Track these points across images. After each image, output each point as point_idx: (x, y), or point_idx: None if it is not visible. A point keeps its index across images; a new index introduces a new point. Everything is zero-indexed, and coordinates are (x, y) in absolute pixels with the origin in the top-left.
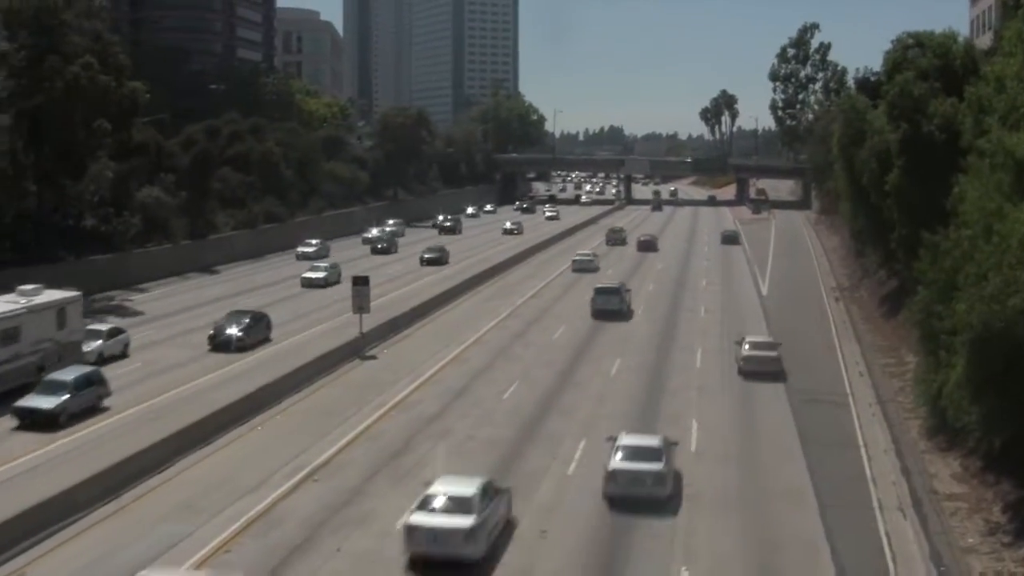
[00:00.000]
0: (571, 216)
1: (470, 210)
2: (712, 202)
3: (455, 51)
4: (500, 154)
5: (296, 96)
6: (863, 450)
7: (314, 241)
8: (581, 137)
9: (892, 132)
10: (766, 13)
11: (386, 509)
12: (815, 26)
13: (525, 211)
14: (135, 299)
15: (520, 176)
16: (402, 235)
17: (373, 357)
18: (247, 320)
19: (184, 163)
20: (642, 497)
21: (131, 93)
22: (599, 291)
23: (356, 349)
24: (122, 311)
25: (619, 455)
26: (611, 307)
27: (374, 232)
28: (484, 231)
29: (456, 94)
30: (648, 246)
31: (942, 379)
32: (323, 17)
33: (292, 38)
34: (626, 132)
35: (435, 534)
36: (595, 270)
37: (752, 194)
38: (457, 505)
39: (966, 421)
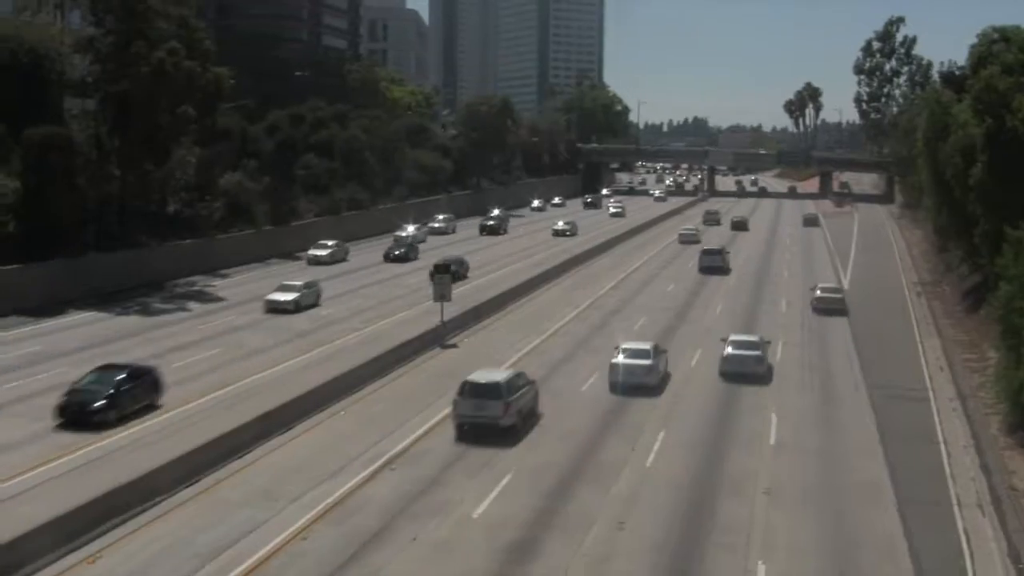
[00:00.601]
0: (641, 212)
1: (535, 203)
2: (793, 194)
3: (540, 40)
4: (584, 144)
5: (381, 84)
6: (942, 446)
7: (330, 242)
8: (665, 128)
9: (976, 127)
10: (852, 5)
11: (462, 498)
12: (901, 19)
13: (589, 206)
14: (217, 284)
15: (604, 166)
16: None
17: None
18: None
19: (268, 149)
20: (636, 384)
21: (216, 79)
22: (705, 252)
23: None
24: (203, 296)
25: (621, 356)
26: (715, 264)
27: (405, 231)
28: (536, 231)
29: (541, 84)
30: (740, 226)
31: (1023, 375)
32: (409, 5)
33: (378, 26)
34: (710, 124)
35: (630, 368)
36: (697, 242)
37: (836, 187)
38: (640, 354)
39: None
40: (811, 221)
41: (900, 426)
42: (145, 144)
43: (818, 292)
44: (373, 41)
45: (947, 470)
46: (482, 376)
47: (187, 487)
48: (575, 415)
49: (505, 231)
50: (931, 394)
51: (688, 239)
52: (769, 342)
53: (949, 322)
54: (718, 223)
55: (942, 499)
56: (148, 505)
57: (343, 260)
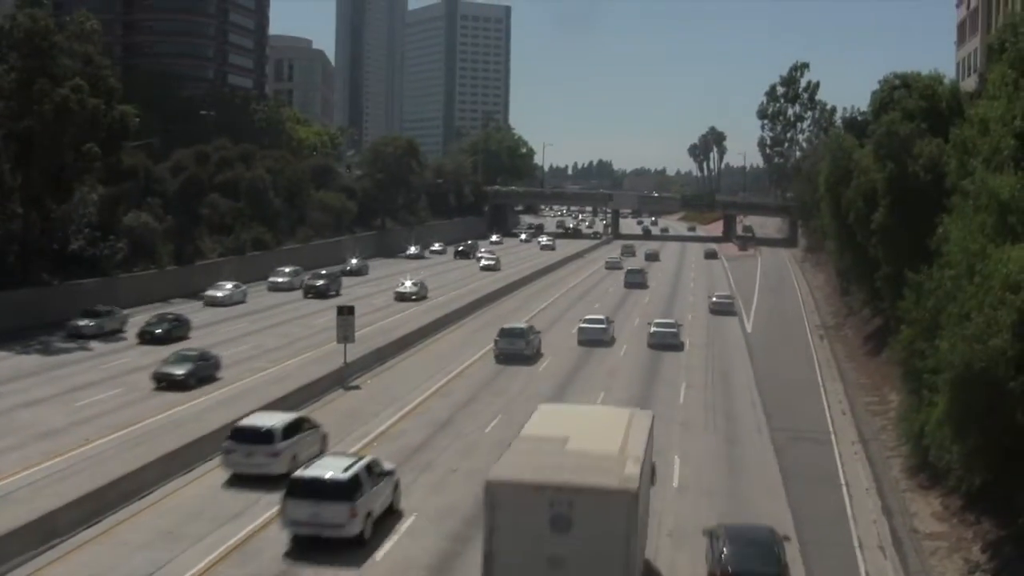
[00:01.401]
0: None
1: (412, 249)
2: (697, 237)
3: (447, 82)
4: (489, 186)
5: (286, 124)
6: (845, 488)
7: (229, 284)
8: (570, 171)
9: (878, 172)
10: (756, 51)
11: (367, 540)
12: (805, 65)
13: (460, 255)
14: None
15: (509, 208)
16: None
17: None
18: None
19: (173, 188)
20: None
21: (121, 117)
22: (629, 271)
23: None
24: (106, 336)
25: (583, 323)
26: (638, 280)
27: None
28: (384, 289)
29: (447, 125)
30: (653, 257)
31: (924, 418)
32: (315, 46)
33: (284, 66)
34: (615, 167)
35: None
36: (620, 268)
37: (739, 231)
38: (601, 322)
39: (947, 460)
40: (711, 255)
41: (803, 468)
42: (48, 182)
43: (714, 298)
44: (279, 81)
45: (849, 512)
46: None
47: (87, 528)
48: (481, 457)
49: (336, 293)
50: (833, 436)
51: (613, 266)
52: (682, 324)
53: (851, 365)
54: (633, 255)
55: (844, 541)
56: (46, 547)
57: (241, 302)
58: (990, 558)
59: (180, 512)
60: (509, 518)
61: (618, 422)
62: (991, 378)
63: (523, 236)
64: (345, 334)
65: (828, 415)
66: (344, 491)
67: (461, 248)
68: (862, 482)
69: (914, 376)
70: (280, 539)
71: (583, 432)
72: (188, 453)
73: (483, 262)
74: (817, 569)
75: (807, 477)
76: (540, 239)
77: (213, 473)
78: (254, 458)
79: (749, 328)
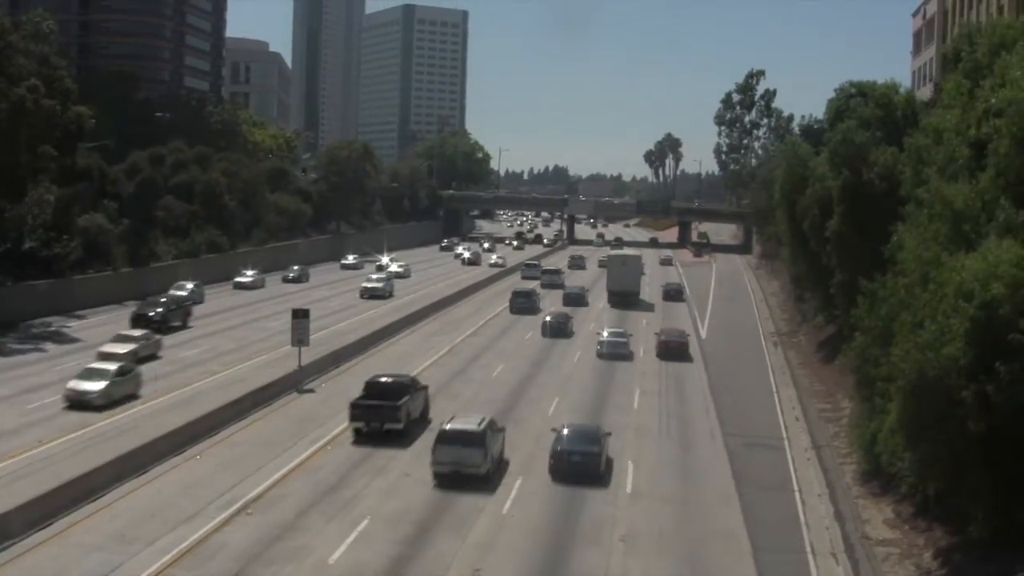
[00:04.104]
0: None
1: (350, 258)
2: (654, 243)
3: (402, 87)
4: (445, 191)
5: (242, 126)
6: (797, 494)
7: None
8: (526, 176)
9: (833, 179)
10: (713, 58)
11: (320, 544)
12: (761, 73)
13: (346, 267)
14: (73, 325)
15: (464, 213)
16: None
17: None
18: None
19: (128, 190)
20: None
21: (76, 118)
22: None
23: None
24: (59, 337)
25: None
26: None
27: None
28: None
29: (402, 130)
30: (604, 264)
31: (876, 425)
32: (272, 48)
33: (240, 68)
34: (571, 172)
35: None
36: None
37: (695, 237)
38: (622, 335)
39: (900, 467)
40: (667, 261)
41: (756, 474)
42: (2, 181)
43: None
44: (235, 83)
45: (802, 518)
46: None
47: (40, 530)
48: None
49: (182, 325)
50: (787, 443)
51: (577, 265)
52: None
53: (805, 372)
54: (583, 268)
55: (797, 547)
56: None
57: (200, 302)
58: (941, 564)
59: (133, 514)
60: None
61: None
62: (944, 386)
63: (465, 254)
64: (300, 337)
65: (781, 421)
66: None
67: (349, 260)
68: (815, 488)
69: (867, 383)
70: (234, 542)
71: None
72: (142, 455)
73: (366, 284)
74: (769, 575)
75: (760, 483)
76: (492, 257)
77: (167, 475)
78: (384, 418)
79: (703, 334)
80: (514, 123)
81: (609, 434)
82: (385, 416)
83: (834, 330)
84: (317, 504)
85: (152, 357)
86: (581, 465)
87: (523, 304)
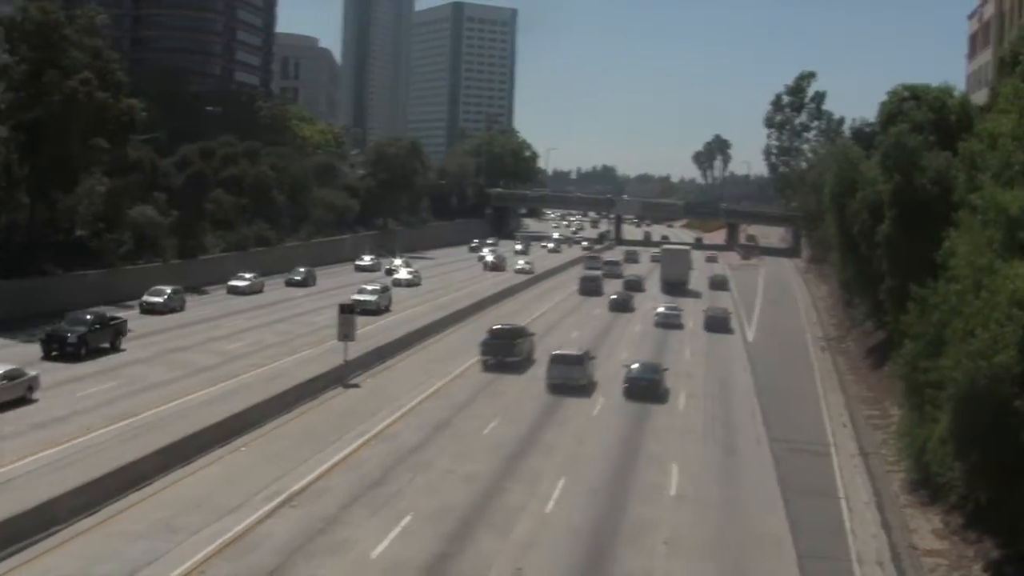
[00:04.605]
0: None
1: (367, 259)
2: (700, 245)
3: (451, 84)
4: (492, 189)
5: (291, 121)
6: (844, 501)
7: (249, 275)
8: (574, 175)
9: (884, 183)
10: (764, 59)
11: (362, 538)
12: (812, 74)
13: (361, 269)
14: (121, 316)
15: (511, 211)
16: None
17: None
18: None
19: (178, 183)
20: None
21: (128, 110)
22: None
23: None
24: None
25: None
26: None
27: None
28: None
29: (451, 127)
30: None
31: (926, 433)
32: (322, 44)
33: (290, 64)
34: (619, 172)
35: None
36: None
37: (742, 240)
38: (675, 309)
39: (949, 477)
40: (712, 259)
41: (802, 480)
42: (55, 172)
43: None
44: (285, 79)
45: (848, 526)
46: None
47: (85, 517)
48: (476, 459)
49: (101, 348)
50: (833, 449)
51: (631, 259)
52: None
53: (853, 378)
54: (637, 262)
55: (842, 555)
56: (44, 535)
57: (260, 291)
58: None
59: (178, 504)
60: None
61: None
62: (995, 395)
63: (488, 258)
64: (346, 332)
65: (828, 427)
66: (580, 361)
67: (370, 258)
68: (861, 496)
69: (916, 391)
70: (277, 534)
71: None
72: (188, 445)
73: (358, 297)
74: None
75: (806, 489)
76: (519, 262)
77: (213, 466)
78: (505, 352)
79: (750, 338)
80: (562, 122)
81: (666, 369)
82: (506, 351)
83: (883, 336)
84: (360, 498)
85: (21, 402)
86: (646, 387)
87: (590, 287)
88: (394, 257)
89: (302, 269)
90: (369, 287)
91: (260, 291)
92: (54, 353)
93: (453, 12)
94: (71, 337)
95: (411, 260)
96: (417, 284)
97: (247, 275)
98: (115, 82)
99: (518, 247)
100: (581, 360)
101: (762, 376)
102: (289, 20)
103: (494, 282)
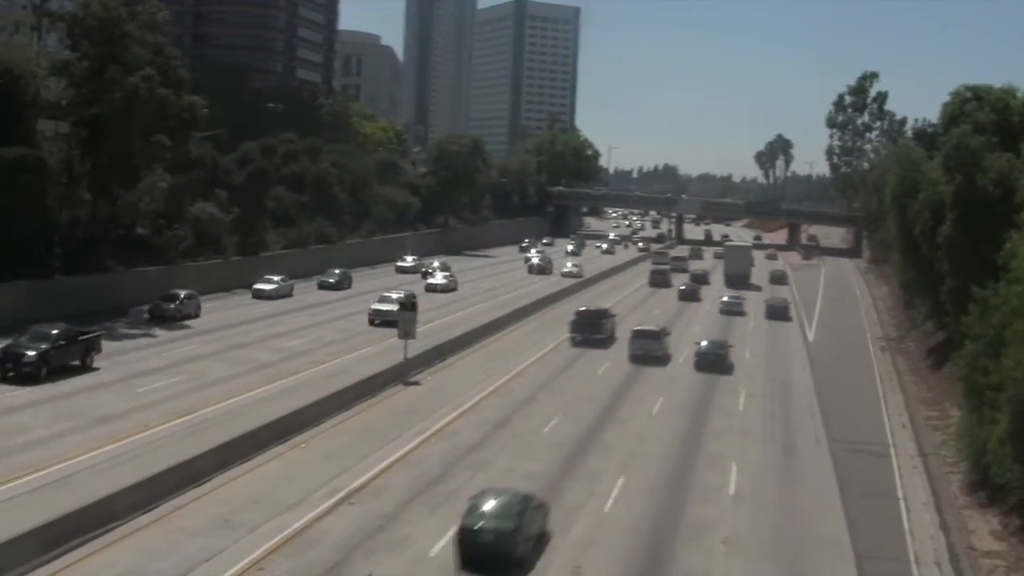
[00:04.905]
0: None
1: (409, 259)
2: (759, 244)
3: (513, 82)
4: (553, 187)
5: (353, 119)
6: (902, 502)
7: (276, 278)
8: (635, 174)
9: (946, 184)
10: (827, 58)
11: (420, 536)
12: (874, 75)
13: (403, 271)
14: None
15: (573, 210)
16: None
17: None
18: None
19: (239, 180)
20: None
21: (190, 107)
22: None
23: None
24: (168, 323)
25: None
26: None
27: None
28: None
29: (512, 125)
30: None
31: (985, 435)
32: (384, 42)
33: (352, 61)
34: (680, 172)
35: (731, 303)
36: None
37: (803, 240)
38: (738, 298)
39: (1008, 478)
40: (772, 256)
41: (860, 481)
42: (116, 168)
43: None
44: (347, 76)
45: (906, 526)
46: None
47: (144, 513)
48: (536, 457)
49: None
50: (892, 450)
51: (696, 255)
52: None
53: (912, 378)
54: (701, 258)
55: (900, 555)
56: (103, 530)
57: (288, 295)
58: None
59: (236, 500)
60: None
61: None
62: None
63: (534, 259)
64: (406, 330)
65: (888, 427)
66: (658, 336)
67: (408, 260)
68: (920, 496)
69: (976, 392)
70: (335, 530)
71: None
72: (245, 442)
73: (379, 307)
74: None
75: (864, 489)
76: (566, 265)
77: (271, 463)
78: (591, 331)
79: (811, 337)
80: (624, 120)
81: (732, 346)
82: (592, 329)
83: (944, 337)
84: (419, 496)
85: None
86: (714, 360)
87: (659, 279)
88: (432, 259)
89: (337, 271)
90: (394, 295)
91: (289, 295)
92: (10, 374)
93: (516, 10)
94: (29, 356)
95: (453, 261)
96: (453, 289)
97: (275, 278)
98: (176, 79)
99: (569, 247)
100: (659, 335)
101: (822, 376)
102: (351, 17)
103: (529, 291)
